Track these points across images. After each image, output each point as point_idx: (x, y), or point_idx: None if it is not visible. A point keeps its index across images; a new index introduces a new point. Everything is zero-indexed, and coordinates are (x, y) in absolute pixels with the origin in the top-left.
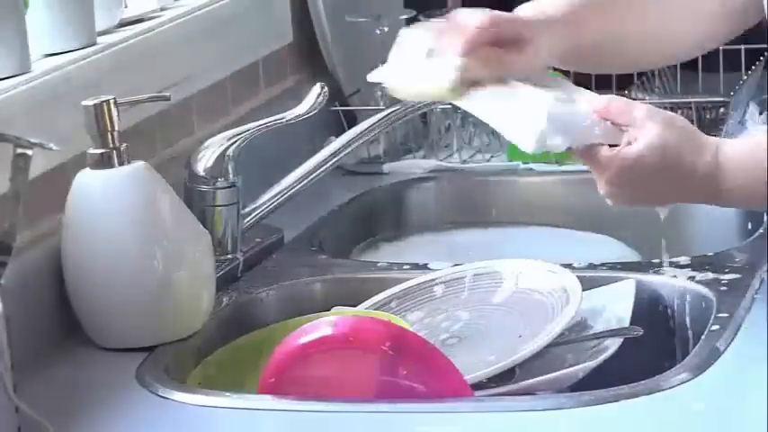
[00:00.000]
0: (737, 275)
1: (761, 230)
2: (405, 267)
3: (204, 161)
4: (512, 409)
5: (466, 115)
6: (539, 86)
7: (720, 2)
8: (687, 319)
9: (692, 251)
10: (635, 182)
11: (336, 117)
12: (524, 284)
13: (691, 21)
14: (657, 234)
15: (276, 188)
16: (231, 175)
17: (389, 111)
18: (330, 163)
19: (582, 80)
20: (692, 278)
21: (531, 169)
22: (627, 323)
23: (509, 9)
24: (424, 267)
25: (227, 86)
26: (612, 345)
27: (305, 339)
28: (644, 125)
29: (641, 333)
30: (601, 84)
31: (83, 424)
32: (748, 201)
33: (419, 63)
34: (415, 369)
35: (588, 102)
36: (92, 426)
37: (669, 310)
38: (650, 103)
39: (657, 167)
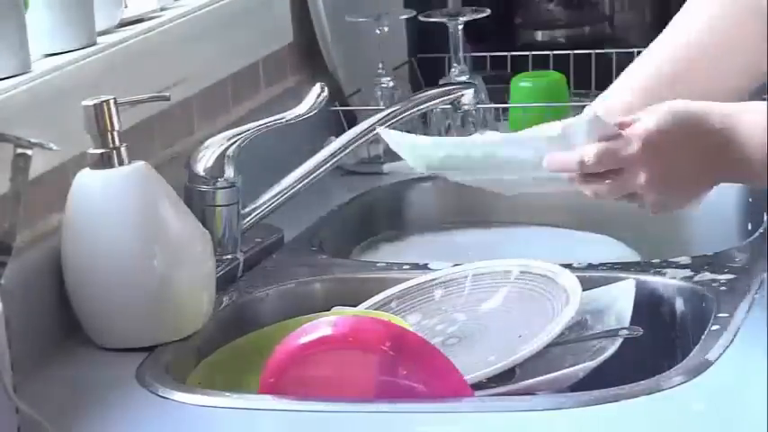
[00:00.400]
0: (737, 275)
1: (761, 230)
2: (405, 267)
3: (204, 161)
4: (512, 409)
5: (466, 115)
6: None
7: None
8: (687, 319)
9: (692, 251)
10: (659, 152)
11: (336, 117)
12: (524, 285)
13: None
14: (657, 234)
15: (276, 188)
16: (231, 175)
17: (389, 111)
18: (330, 163)
19: (582, 80)
20: (691, 278)
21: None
22: (627, 323)
23: (508, 10)
24: (424, 267)
25: (228, 86)
26: (612, 345)
27: (305, 339)
28: (646, 111)
29: (641, 333)
30: (601, 84)
31: (83, 424)
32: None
33: None
34: (415, 369)
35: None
36: (92, 426)
37: (669, 310)
38: None
39: (672, 130)
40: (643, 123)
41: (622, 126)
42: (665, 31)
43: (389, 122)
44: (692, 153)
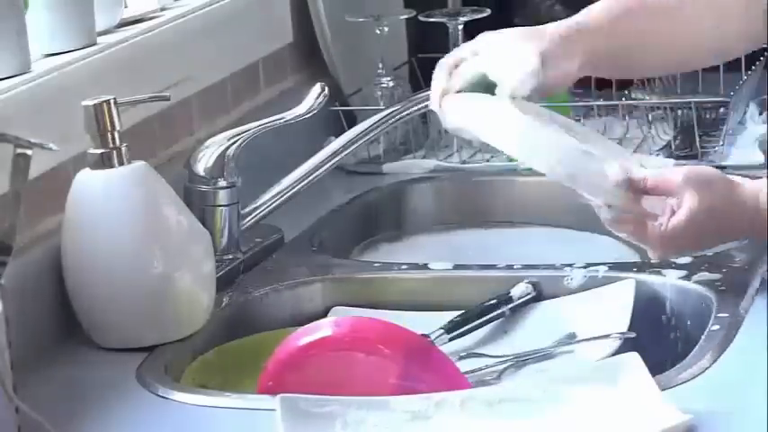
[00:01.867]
0: (737, 275)
1: None
2: (404, 267)
3: (204, 161)
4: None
5: None
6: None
7: (744, 5)
8: (687, 320)
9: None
10: (684, 245)
11: (336, 117)
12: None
13: (714, 24)
14: None
15: (276, 188)
16: (231, 175)
17: (389, 111)
18: (330, 163)
19: (582, 80)
20: (691, 278)
21: (530, 169)
22: (627, 323)
23: (508, 10)
24: (424, 267)
25: (227, 86)
26: (611, 345)
27: (304, 341)
28: (683, 192)
29: (633, 336)
30: (601, 83)
31: (83, 424)
32: None
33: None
34: (416, 370)
35: (620, 166)
36: (92, 426)
37: (669, 310)
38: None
39: (704, 229)
40: (684, 169)
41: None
42: None
43: (389, 122)
44: (719, 207)
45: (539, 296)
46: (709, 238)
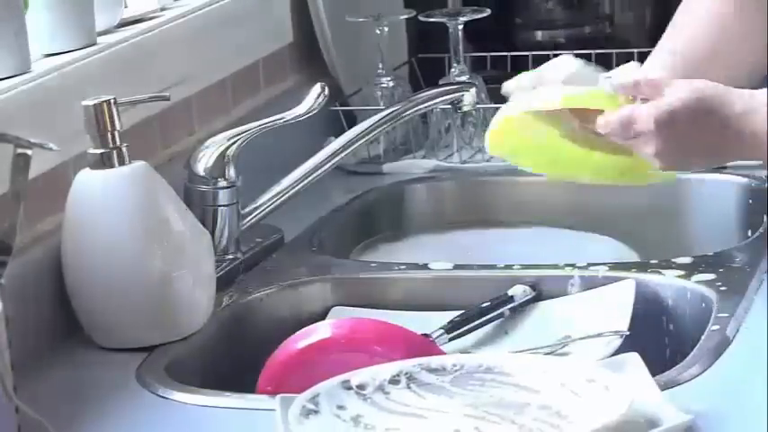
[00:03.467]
0: (737, 275)
1: (761, 230)
2: (404, 267)
3: (204, 161)
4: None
5: (466, 115)
6: None
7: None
8: (687, 319)
9: (692, 251)
10: (679, 134)
11: (336, 117)
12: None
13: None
14: (657, 234)
15: (276, 188)
16: (231, 175)
17: (389, 111)
18: (330, 163)
19: None
20: (691, 278)
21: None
22: (627, 323)
23: (508, 10)
24: (424, 267)
25: (228, 86)
26: (610, 345)
27: (302, 344)
28: (673, 84)
29: (626, 334)
30: None
31: (83, 424)
32: None
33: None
34: None
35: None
36: (92, 426)
37: (669, 311)
38: None
39: (697, 117)
40: (669, 99)
41: (652, 86)
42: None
43: (389, 122)
44: (708, 134)
45: (539, 296)
46: (698, 131)
